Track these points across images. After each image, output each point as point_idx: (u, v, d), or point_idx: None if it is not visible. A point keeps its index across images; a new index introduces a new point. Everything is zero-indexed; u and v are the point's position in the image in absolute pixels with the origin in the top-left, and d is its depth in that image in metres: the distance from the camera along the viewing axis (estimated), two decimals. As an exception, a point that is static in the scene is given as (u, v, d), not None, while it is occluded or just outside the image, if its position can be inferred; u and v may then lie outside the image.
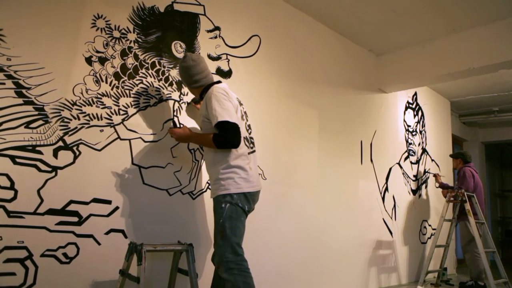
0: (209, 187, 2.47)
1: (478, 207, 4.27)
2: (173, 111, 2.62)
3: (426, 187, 5.26)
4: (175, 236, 2.44)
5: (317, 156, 3.63)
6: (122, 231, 2.25)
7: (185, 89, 2.70)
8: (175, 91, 2.65)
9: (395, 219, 4.56)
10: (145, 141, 2.45)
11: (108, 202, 2.22)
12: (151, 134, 2.49)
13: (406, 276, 4.62)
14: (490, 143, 7.41)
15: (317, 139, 3.66)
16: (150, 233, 2.38)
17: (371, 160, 4.29)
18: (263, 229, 3.06)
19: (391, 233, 4.46)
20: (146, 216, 2.39)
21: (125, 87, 2.40)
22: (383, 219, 4.37)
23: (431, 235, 5.13)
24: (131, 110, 2.42)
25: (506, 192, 8.93)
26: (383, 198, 4.39)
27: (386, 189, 4.46)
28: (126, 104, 2.40)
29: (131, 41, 2.46)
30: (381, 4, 3.56)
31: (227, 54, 3.01)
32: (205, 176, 2.72)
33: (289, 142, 3.39)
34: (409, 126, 5.05)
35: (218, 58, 2.95)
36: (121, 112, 2.36)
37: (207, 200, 2.71)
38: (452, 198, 4.29)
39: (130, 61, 2.45)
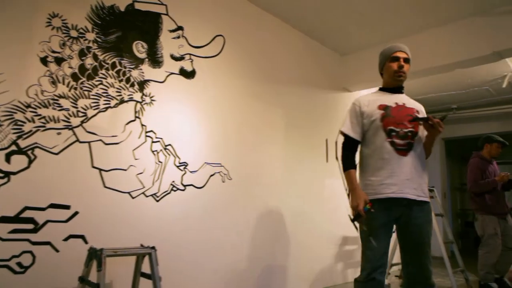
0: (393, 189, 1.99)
1: (438, 200, 4.45)
2: (135, 112, 2.58)
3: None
4: (139, 240, 2.41)
5: (282, 155, 3.67)
6: (82, 237, 2.19)
7: (148, 90, 2.66)
8: (137, 92, 2.61)
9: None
10: (106, 144, 2.40)
11: (67, 207, 2.16)
12: (112, 136, 2.44)
13: (372, 270, 4.75)
14: (450, 139, 7.71)
15: (282, 139, 3.70)
16: (112, 237, 2.33)
17: (337, 158, 4.38)
18: (228, 229, 3.06)
19: (357, 229, 4.57)
20: (108, 220, 2.33)
21: (84, 88, 2.34)
22: (349, 215, 4.46)
23: (395, 229, 5.29)
24: (91, 112, 2.36)
25: (465, 185, 9.33)
26: (348, 195, 4.49)
27: (351, 186, 4.57)
28: (85, 105, 2.33)
29: (90, 41, 2.40)
30: (345, 5, 3.63)
31: (190, 54, 2.98)
32: (169, 178, 2.69)
33: (254, 142, 3.40)
34: (372, 124, 5.18)
35: (181, 58, 2.92)
36: (80, 114, 2.30)
37: (172, 202, 2.69)
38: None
39: (89, 61, 2.38)
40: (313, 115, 4.16)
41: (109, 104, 2.44)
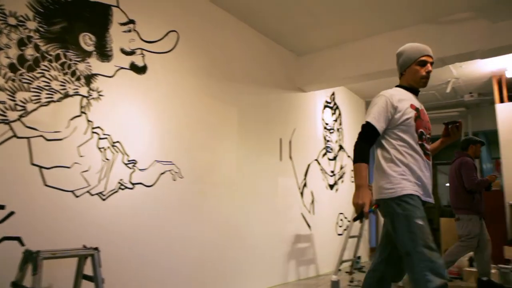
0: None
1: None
2: (81, 107, 2.46)
3: (342, 182, 5.58)
4: (83, 241, 2.30)
5: (236, 154, 3.66)
6: (18, 239, 2.06)
7: (95, 84, 2.55)
8: (83, 86, 2.49)
9: (314, 213, 4.78)
10: (47, 140, 2.27)
11: (1, 207, 2.02)
12: (55, 132, 2.31)
13: (324, 266, 4.87)
14: (400, 140, 8.06)
15: (236, 137, 3.69)
16: (53, 239, 2.21)
17: (290, 157, 4.44)
18: (180, 229, 3.01)
19: (309, 226, 4.66)
20: (48, 220, 2.21)
21: (24, 80, 2.20)
22: (302, 213, 4.55)
23: (347, 227, 5.46)
24: (31, 106, 2.22)
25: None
26: (301, 194, 4.58)
27: (305, 184, 4.65)
28: (25, 99, 2.20)
29: (30, 30, 2.26)
30: (302, 6, 3.68)
31: (142, 49, 2.90)
32: (116, 176, 2.60)
33: (207, 141, 3.37)
34: (327, 124, 5.31)
35: (132, 52, 2.83)
36: (18, 108, 2.16)
37: (119, 201, 2.60)
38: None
39: (29, 52, 2.24)
40: (268, 114, 4.19)
41: (52, 98, 2.32)
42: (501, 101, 5.48)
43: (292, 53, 4.74)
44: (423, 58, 2.05)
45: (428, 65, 2.05)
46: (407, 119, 1.96)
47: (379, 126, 1.95)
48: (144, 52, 2.91)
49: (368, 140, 1.96)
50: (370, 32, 4.20)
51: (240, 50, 3.88)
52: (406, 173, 1.91)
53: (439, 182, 10.18)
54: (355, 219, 1.90)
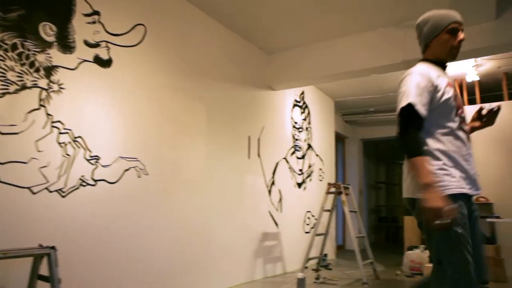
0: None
1: (353, 197, 4.73)
2: (40, 100, 2.35)
3: (311, 180, 5.65)
4: (39, 240, 2.20)
5: (204, 151, 3.63)
6: (-33, 237, 1.95)
7: (56, 76, 2.44)
8: (42, 78, 2.38)
9: (281, 211, 4.81)
10: (2, 133, 2.16)
11: (-51, 203, 1.91)
12: (10, 125, 2.20)
13: (291, 264, 4.91)
14: (367, 140, 8.27)
15: (204, 134, 3.65)
16: (6, 238, 2.10)
17: (259, 155, 4.44)
18: (144, 227, 2.95)
19: (277, 224, 4.69)
20: (2, 218, 2.10)
21: (-24, 70, 2.08)
22: (269, 211, 4.57)
23: (314, 224, 5.53)
24: (-16, 97, 2.10)
25: (380, 183, 10.10)
26: (269, 192, 4.59)
27: (273, 183, 4.67)
28: (-23, 90, 2.08)
29: (-16, 17, 2.14)
30: (273, 4, 3.68)
31: (107, 42, 2.81)
32: (78, 172, 2.51)
33: (174, 137, 3.31)
34: (296, 123, 5.35)
35: (96, 45, 2.73)
36: (-30, 99, 2.04)
37: (80, 198, 2.51)
38: (333, 190, 4.67)
39: (-17, 40, 2.12)
40: (237, 111, 4.17)
41: (7, 89, 2.20)
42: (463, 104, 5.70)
43: (262, 51, 4.74)
44: (454, 26, 1.74)
45: (460, 32, 1.75)
46: (447, 99, 1.66)
47: (423, 109, 1.61)
48: (109, 45, 2.82)
49: (416, 125, 1.60)
50: (340, 32, 4.26)
51: (210, 47, 3.84)
52: (448, 166, 1.61)
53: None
54: (435, 229, 1.47)
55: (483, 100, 5.64)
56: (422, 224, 1.59)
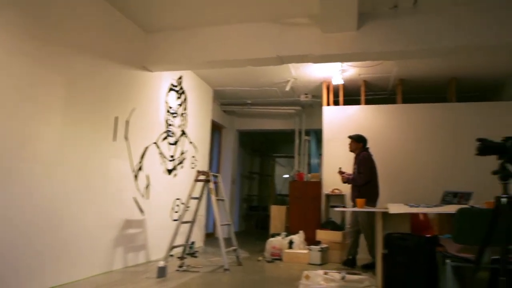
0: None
1: (222, 186, 4.79)
2: None
3: (182, 167, 5.54)
4: None
5: (60, 128, 3.21)
6: None
7: None
8: None
9: (148, 198, 4.60)
10: None
11: None
12: None
13: (156, 253, 4.75)
14: (244, 131, 8.50)
15: (61, 110, 3.23)
16: None
17: (126, 138, 4.15)
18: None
19: (142, 211, 4.47)
20: None
21: None
22: (135, 198, 4.32)
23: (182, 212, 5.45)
24: None
25: (253, 174, 10.54)
26: (135, 177, 4.34)
27: (140, 168, 4.43)
28: None
29: None
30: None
31: None
32: None
33: (20, 109, 2.84)
34: (170, 107, 5.17)
35: None
36: None
37: None
38: (202, 177, 4.63)
39: None
40: (105, 89, 3.81)
41: None
42: (328, 104, 6.27)
43: (140, 28, 4.43)
44: None
45: None
46: None
47: None
48: None
49: None
50: (221, 20, 4.22)
51: (77, 13, 3.40)
52: None
53: (276, 173, 11.20)
54: None
55: (345, 103, 6.26)
56: None
